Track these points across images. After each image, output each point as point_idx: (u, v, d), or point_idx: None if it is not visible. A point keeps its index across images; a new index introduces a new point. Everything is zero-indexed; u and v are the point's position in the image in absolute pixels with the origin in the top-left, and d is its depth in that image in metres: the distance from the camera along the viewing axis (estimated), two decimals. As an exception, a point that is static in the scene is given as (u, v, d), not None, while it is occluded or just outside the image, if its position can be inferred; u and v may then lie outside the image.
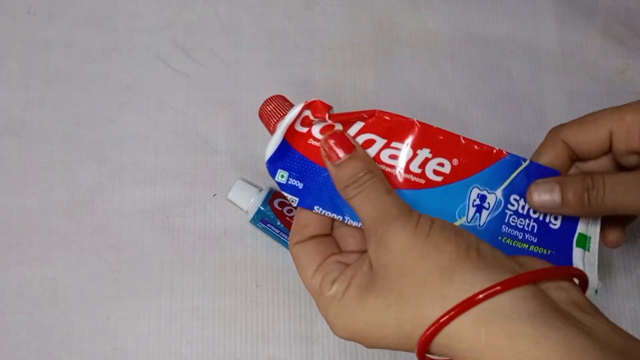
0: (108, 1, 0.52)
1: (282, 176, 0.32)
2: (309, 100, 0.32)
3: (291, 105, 0.34)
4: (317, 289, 0.30)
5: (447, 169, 0.32)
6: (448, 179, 0.32)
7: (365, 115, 0.32)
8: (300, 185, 0.32)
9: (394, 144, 0.32)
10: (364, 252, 0.32)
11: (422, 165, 0.32)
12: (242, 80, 0.50)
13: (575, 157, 0.34)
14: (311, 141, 0.32)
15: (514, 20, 0.54)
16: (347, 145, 0.31)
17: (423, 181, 0.32)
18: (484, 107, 0.51)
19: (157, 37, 0.50)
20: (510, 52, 0.52)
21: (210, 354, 0.43)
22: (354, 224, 0.32)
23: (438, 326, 0.25)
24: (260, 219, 0.44)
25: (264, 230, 0.44)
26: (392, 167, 0.32)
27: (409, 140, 0.32)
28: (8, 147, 0.47)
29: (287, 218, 0.43)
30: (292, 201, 0.32)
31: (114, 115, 0.48)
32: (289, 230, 0.43)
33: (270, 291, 0.44)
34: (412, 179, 0.32)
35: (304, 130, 0.32)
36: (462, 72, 0.52)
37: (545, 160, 0.34)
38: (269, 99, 0.34)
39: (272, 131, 0.33)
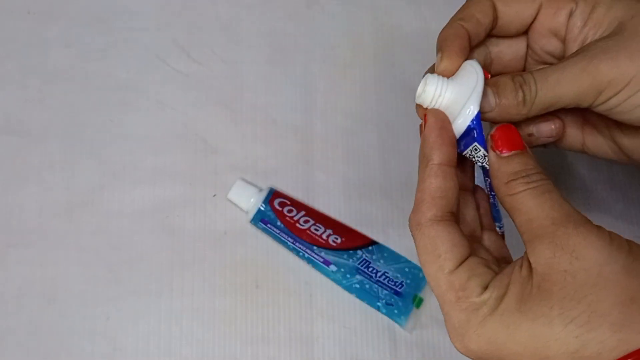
0: (107, 0, 0.51)
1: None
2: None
3: None
4: (458, 289, 0.26)
5: None
6: None
7: None
8: None
9: None
10: (499, 257, 0.30)
11: None
12: (242, 80, 0.50)
13: (493, 26, 0.32)
14: None
15: (514, 20, 0.53)
16: (518, 141, 0.27)
17: None
18: (484, 107, 0.50)
19: (157, 36, 0.50)
20: (511, 52, 0.52)
21: (210, 355, 0.43)
22: None
23: None
24: (260, 219, 0.44)
25: (264, 230, 0.44)
26: None
27: None
28: (7, 147, 0.47)
29: (287, 218, 0.43)
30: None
31: (113, 115, 0.48)
32: (289, 230, 0.43)
33: (270, 291, 0.44)
34: None
35: None
36: (463, 72, 0.51)
37: (469, 12, 0.32)
38: None
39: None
